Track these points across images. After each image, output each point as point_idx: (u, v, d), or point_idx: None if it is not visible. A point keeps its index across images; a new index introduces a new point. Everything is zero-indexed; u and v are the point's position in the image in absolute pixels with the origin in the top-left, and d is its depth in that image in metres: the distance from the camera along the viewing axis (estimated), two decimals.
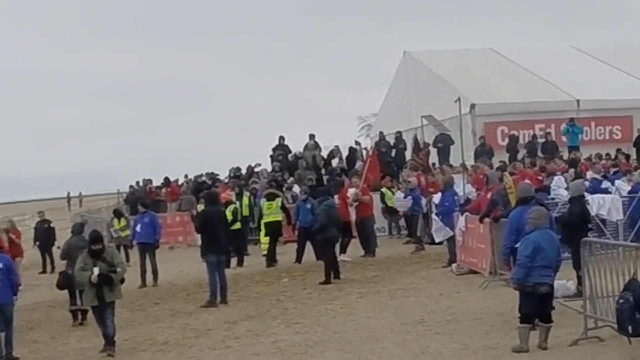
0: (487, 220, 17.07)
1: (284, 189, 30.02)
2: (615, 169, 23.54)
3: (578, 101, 32.03)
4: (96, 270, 13.75)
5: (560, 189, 20.67)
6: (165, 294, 20.06)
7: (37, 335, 16.35)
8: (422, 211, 23.90)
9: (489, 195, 18.23)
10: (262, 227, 24.10)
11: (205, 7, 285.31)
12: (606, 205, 19.00)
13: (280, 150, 34.20)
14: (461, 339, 12.58)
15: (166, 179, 37.91)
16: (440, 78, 34.01)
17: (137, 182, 39.13)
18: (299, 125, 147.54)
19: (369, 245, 23.39)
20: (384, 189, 26.21)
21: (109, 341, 13.93)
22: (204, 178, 36.02)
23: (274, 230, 23.98)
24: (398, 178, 29.53)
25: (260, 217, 24.56)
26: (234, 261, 23.12)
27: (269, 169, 33.38)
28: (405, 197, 24.60)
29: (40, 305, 20.60)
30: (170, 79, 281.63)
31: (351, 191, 23.72)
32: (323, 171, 32.51)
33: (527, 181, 18.14)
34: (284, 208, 24.35)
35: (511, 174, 22.08)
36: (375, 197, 25.65)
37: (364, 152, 33.74)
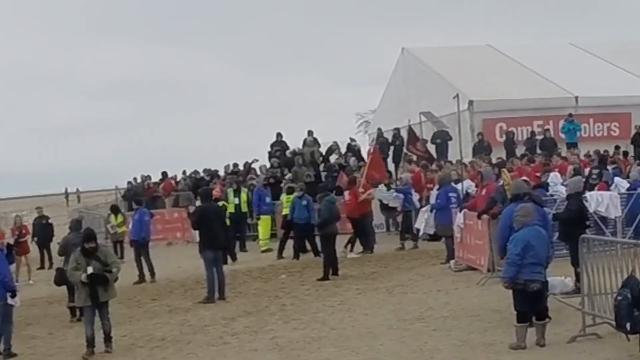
0: (485, 217, 17.08)
1: (282, 185, 30.02)
2: (614, 165, 23.51)
3: (576, 98, 31.98)
4: (89, 270, 13.54)
5: (557, 185, 20.65)
6: (163, 290, 20.07)
7: (35, 331, 16.37)
8: (413, 207, 23.86)
9: (483, 192, 18.26)
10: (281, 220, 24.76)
11: (204, 5, 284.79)
12: (604, 202, 18.99)
13: (278, 146, 34.18)
14: (459, 335, 12.59)
15: (164, 174, 37.85)
16: (439, 74, 33.97)
17: (135, 178, 39.06)
18: (297, 121, 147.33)
19: (367, 242, 23.40)
20: (380, 186, 26.19)
21: (107, 338, 13.87)
22: (202, 174, 35.99)
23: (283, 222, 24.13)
24: (396, 174, 29.54)
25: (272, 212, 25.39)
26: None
27: (267, 165, 33.35)
28: (388, 190, 24.51)
29: (38, 301, 20.61)
30: (168, 77, 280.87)
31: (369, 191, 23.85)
32: (322, 167, 32.48)
33: (524, 177, 18.10)
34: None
35: (509, 170, 22.13)
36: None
37: (364, 149, 33.66)
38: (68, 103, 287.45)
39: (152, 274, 21.92)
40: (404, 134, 33.09)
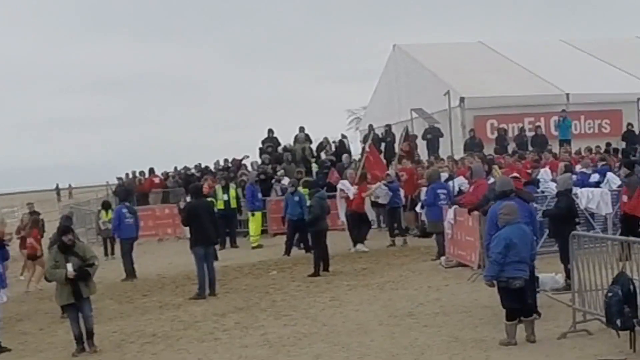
0: (475, 213, 17.09)
1: (273, 181, 30.05)
2: (602, 162, 23.56)
3: (567, 95, 32.06)
4: (69, 267, 13.24)
5: (548, 182, 20.70)
6: (154, 286, 20.03)
7: (26, 326, 16.31)
8: (401, 203, 23.87)
9: (471, 189, 18.27)
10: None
11: (196, 0, 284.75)
12: (595, 198, 19.03)
13: (270, 142, 34.18)
14: (450, 331, 12.60)
15: (150, 170, 37.83)
16: (430, 71, 34.04)
17: (127, 174, 39.02)
18: (288, 118, 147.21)
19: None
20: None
21: (90, 335, 13.60)
22: (192, 170, 35.99)
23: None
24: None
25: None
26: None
27: (259, 161, 33.35)
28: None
29: (28, 297, 20.57)
30: (161, 72, 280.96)
31: (374, 185, 23.86)
32: (313, 164, 32.51)
33: (514, 174, 18.12)
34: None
35: (500, 167, 22.17)
36: None
37: (354, 146, 33.74)
38: (59, 98, 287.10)
39: (127, 273, 21.78)
40: (395, 130, 33.12)
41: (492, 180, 18.23)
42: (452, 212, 18.69)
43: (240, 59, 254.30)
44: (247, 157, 34.23)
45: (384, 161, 27.97)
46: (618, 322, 10.38)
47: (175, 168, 37.66)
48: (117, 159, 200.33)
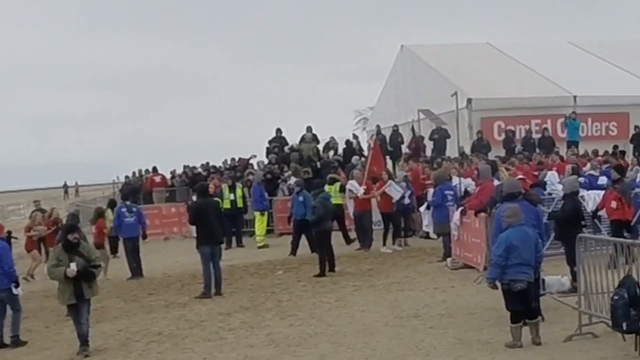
0: (482, 215, 17.08)
1: (279, 181, 30.06)
2: (606, 165, 23.50)
3: (575, 97, 31.99)
4: (72, 266, 13.07)
5: (555, 184, 20.66)
6: (160, 285, 20.05)
7: (31, 324, 16.32)
8: (412, 204, 23.77)
9: (477, 191, 18.24)
10: None
11: None
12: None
13: (277, 142, 34.17)
14: (455, 333, 12.59)
15: (154, 169, 37.84)
16: (437, 72, 34.00)
17: (134, 173, 39.06)
18: (295, 117, 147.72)
19: (365, 239, 23.39)
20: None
21: (83, 341, 13.42)
22: (199, 169, 36.01)
23: (335, 213, 24.00)
24: (394, 171, 29.51)
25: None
26: None
27: (265, 160, 33.36)
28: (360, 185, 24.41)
29: (34, 294, 20.59)
30: (165, 69, 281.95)
31: (351, 183, 23.84)
32: (319, 164, 32.49)
33: (520, 176, 18.09)
34: (343, 190, 24.59)
35: (507, 169, 22.15)
36: None
37: (367, 145, 33.63)
38: (63, 94, 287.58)
39: (133, 272, 21.76)
40: (402, 131, 33.11)
41: (496, 182, 18.23)
42: (458, 214, 18.68)
43: (246, 57, 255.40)
44: (255, 156, 34.26)
45: (385, 161, 27.85)
46: (624, 325, 10.37)
47: (184, 167, 37.64)
48: (123, 155, 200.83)
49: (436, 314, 14.07)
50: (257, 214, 26.88)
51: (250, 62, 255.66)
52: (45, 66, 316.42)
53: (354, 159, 30.86)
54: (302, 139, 33.65)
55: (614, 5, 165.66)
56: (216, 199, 23.86)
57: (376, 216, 24.49)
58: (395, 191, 22.95)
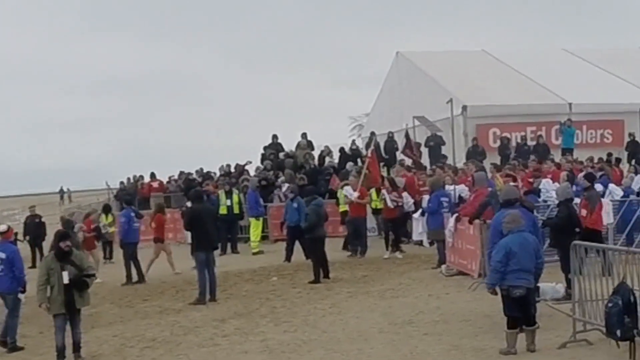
0: (477, 221, 17.09)
1: (274, 186, 30.04)
2: (601, 172, 23.50)
3: (570, 104, 32.05)
4: (65, 275, 12.88)
5: (550, 191, 20.68)
6: (154, 291, 20.02)
7: (26, 329, 16.28)
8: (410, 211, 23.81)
9: (471, 198, 18.26)
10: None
11: (200, 1, 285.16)
12: None
13: (273, 148, 34.14)
14: (450, 340, 12.59)
15: (152, 174, 37.79)
16: (433, 79, 34.05)
17: (128, 179, 38.98)
18: (290, 123, 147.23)
19: (360, 245, 23.38)
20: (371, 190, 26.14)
21: (77, 348, 13.31)
22: (193, 175, 35.96)
23: (342, 219, 24.51)
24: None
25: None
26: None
27: (261, 167, 33.31)
28: (378, 195, 24.40)
29: (29, 299, 20.44)
30: (163, 74, 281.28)
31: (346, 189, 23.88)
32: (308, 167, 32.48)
33: (518, 182, 18.12)
34: None
35: (508, 175, 22.14)
36: None
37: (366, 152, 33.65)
38: (61, 99, 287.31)
39: (141, 276, 21.79)
40: (397, 138, 33.11)
41: (490, 188, 18.25)
42: (452, 220, 18.70)
43: (242, 63, 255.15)
44: (250, 162, 34.19)
45: (379, 169, 27.86)
46: (618, 332, 10.37)
47: (181, 172, 37.57)
48: (118, 161, 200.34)
49: (431, 321, 14.07)
50: (252, 220, 26.87)
51: (247, 68, 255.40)
52: (41, 70, 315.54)
53: (349, 165, 30.85)
54: (298, 146, 33.64)
55: (610, 13, 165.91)
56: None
57: (370, 223, 24.50)
58: (389, 199, 23.00)
